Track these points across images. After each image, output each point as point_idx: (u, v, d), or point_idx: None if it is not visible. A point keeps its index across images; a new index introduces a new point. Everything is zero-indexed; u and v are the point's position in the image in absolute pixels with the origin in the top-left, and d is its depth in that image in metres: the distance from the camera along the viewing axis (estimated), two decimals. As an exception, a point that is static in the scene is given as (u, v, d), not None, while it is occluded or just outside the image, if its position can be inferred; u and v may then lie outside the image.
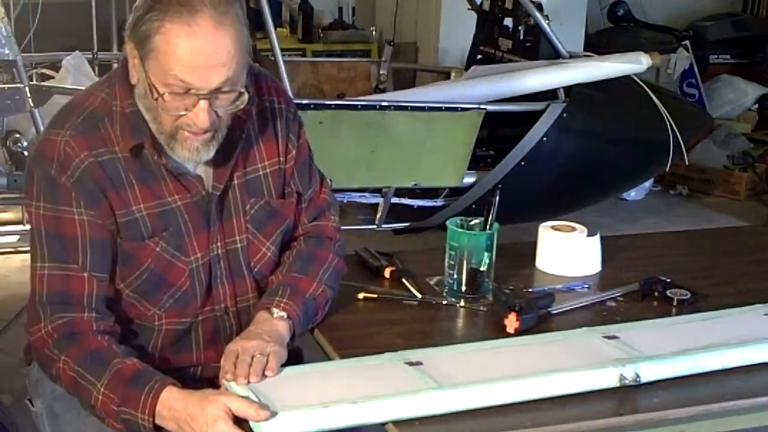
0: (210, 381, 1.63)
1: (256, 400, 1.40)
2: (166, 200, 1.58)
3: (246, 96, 1.52)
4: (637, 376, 1.51)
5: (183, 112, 1.48)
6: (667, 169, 4.22)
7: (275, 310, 1.61)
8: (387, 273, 1.92)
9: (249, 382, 1.46)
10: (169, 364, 1.61)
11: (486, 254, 1.81)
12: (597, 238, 2.02)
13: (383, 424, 1.41)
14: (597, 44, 5.66)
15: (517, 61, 4.06)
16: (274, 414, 1.36)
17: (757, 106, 6.18)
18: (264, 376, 1.48)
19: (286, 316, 1.61)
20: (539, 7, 4.01)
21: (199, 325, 1.65)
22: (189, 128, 1.50)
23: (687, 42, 5.83)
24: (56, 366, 1.51)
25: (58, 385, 1.56)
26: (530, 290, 1.91)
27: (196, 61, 1.44)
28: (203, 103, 1.47)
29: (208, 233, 1.62)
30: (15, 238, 4.24)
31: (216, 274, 1.64)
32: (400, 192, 3.71)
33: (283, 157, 1.70)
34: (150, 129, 1.54)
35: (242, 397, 1.41)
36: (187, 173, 1.59)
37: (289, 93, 3.38)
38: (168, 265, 1.59)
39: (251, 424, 1.37)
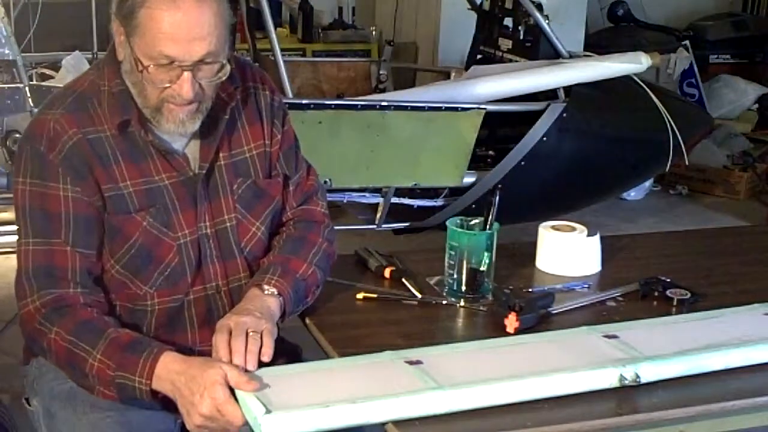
0: None
1: (255, 398, 1.40)
2: (153, 178, 1.62)
3: (228, 67, 1.58)
4: (637, 376, 1.51)
5: (167, 84, 1.54)
6: (667, 169, 4.22)
7: (266, 287, 1.64)
8: (387, 273, 1.92)
9: (246, 368, 1.48)
10: None
11: (486, 254, 1.81)
12: (597, 238, 2.02)
13: (383, 424, 1.41)
14: (597, 44, 5.66)
15: (517, 61, 4.06)
16: (263, 387, 1.39)
17: (757, 106, 6.18)
18: (261, 362, 1.49)
19: (276, 293, 1.64)
20: (539, 7, 4.01)
21: (191, 305, 1.67)
22: (174, 100, 1.55)
23: (687, 42, 5.83)
24: (47, 338, 1.54)
25: (46, 359, 1.59)
26: (530, 290, 1.91)
27: (178, 33, 1.49)
28: (187, 75, 1.53)
29: (195, 211, 1.65)
30: (15, 237, 4.23)
31: (206, 253, 1.67)
32: (400, 192, 3.71)
33: (269, 140, 1.74)
34: (137, 106, 1.59)
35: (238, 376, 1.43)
36: (174, 151, 1.63)
37: (289, 91, 3.40)
38: (156, 241, 1.62)
39: (251, 423, 1.37)
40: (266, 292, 1.63)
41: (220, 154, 1.68)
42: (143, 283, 1.63)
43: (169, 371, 1.46)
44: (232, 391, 1.42)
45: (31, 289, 1.57)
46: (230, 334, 1.52)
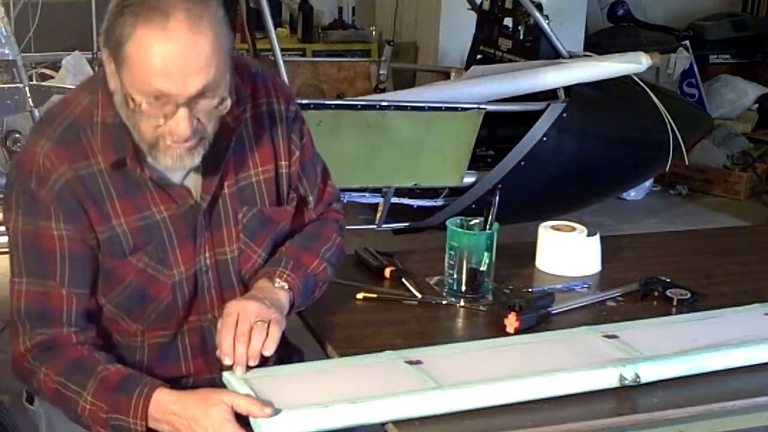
0: None
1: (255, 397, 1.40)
2: (150, 212, 1.53)
3: (228, 102, 1.45)
4: (637, 376, 1.51)
5: (162, 121, 1.41)
6: (667, 169, 4.22)
7: (277, 280, 1.59)
8: (387, 273, 1.92)
9: (248, 366, 1.46)
10: (157, 378, 1.53)
11: (486, 254, 1.81)
12: (597, 238, 2.02)
13: (383, 424, 1.41)
14: (597, 44, 5.66)
15: (517, 61, 4.06)
16: (276, 412, 1.36)
17: (757, 106, 6.18)
18: (262, 356, 1.47)
19: (287, 287, 1.59)
20: (539, 7, 4.01)
21: (185, 336, 1.61)
22: (171, 137, 1.43)
23: (687, 42, 5.83)
24: (36, 378, 1.49)
25: (39, 397, 1.55)
26: (530, 290, 1.91)
27: (171, 68, 1.36)
28: (183, 111, 1.40)
29: (194, 245, 1.57)
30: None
31: (203, 285, 1.59)
32: (400, 192, 3.71)
33: (286, 161, 1.65)
34: (132, 140, 1.48)
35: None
36: (173, 185, 1.54)
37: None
38: (150, 280, 1.55)
39: (251, 422, 1.37)
40: (277, 285, 1.59)
41: (225, 182, 1.58)
42: (134, 321, 1.57)
43: (165, 411, 1.40)
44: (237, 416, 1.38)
45: (23, 328, 1.51)
46: (237, 328, 1.48)
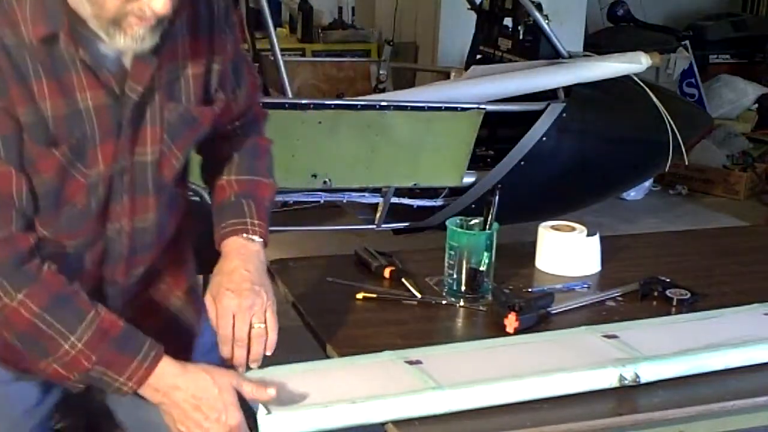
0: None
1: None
2: (75, 98, 1.34)
3: None
4: (637, 376, 1.51)
5: None
6: (666, 169, 4.22)
7: (251, 236, 1.53)
8: (387, 273, 1.92)
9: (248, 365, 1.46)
10: None
11: (486, 254, 1.81)
12: (597, 238, 2.02)
13: (383, 424, 1.41)
14: (597, 44, 5.67)
15: (517, 61, 4.06)
16: (279, 402, 1.37)
17: (756, 106, 6.19)
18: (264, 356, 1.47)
19: (259, 239, 1.54)
20: (539, 7, 4.01)
21: (87, 247, 1.45)
22: (141, 13, 1.27)
23: (687, 42, 5.84)
24: (2, 302, 1.32)
25: None
26: (530, 290, 1.91)
27: None
28: None
29: (116, 142, 1.39)
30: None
31: (117, 189, 1.43)
32: (399, 192, 3.71)
33: (220, 56, 1.50)
34: (66, 14, 1.30)
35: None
36: (106, 67, 1.36)
37: (288, 91, 3.40)
38: (67, 178, 1.37)
39: (257, 421, 1.37)
40: (248, 239, 1.52)
41: (156, 75, 1.40)
42: (42, 227, 1.38)
43: (167, 385, 1.36)
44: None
45: None
46: (235, 336, 1.46)
